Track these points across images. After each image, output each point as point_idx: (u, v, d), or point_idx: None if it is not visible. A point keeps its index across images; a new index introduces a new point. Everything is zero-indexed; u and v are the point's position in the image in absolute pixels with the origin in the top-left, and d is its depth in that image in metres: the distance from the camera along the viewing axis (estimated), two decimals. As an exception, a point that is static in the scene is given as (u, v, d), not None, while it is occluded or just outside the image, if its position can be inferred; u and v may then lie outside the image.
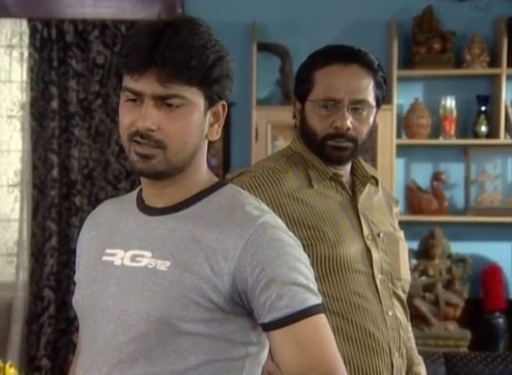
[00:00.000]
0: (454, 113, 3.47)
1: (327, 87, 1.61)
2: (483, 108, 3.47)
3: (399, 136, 3.50)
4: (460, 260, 3.43)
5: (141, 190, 1.30)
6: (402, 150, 3.47)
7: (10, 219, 3.61)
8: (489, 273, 3.49)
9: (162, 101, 1.16)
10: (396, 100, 3.40)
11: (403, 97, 3.49)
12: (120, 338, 1.18)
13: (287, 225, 1.28)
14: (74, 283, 1.33)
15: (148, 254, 1.20)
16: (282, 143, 3.61)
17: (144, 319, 1.16)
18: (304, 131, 1.66)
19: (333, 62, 1.62)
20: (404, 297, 1.70)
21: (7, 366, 1.80)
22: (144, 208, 1.26)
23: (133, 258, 1.21)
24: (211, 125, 1.22)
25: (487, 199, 3.55)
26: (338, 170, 1.67)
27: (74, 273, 1.34)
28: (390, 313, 1.63)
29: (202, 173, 1.25)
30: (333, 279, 1.59)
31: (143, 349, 1.16)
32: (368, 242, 1.64)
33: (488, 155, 3.56)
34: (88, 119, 3.54)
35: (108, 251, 1.25)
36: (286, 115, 3.48)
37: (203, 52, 1.15)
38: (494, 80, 3.51)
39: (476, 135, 3.49)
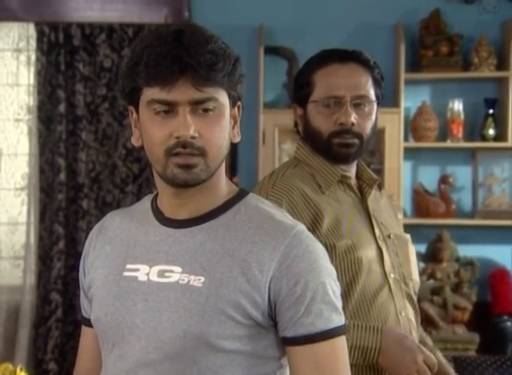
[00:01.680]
0: (462, 116, 3.49)
1: (328, 85, 1.65)
2: (491, 111, 3.49)
3: (406, 139, 3.51)
4: (468, 263, 3.45)
5: (155, 200, 1.27)
6: (409, 153, 3.49)
7: (17, 223, 3.63)
8: (497, 276, 3.51)
9: (197, 106, 1.15)
10: (403, 103, 3.43)
11: (411, 100, 3.51)
12: (153, 356, 1.16)
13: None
14: (86, 297, 1.30)
15: (178, 269, 1.18)
16: (290, 146, 3.63)
17: (180, 337, 1.14)
18: (308, 134, 1.70)
19: (331, 62, 1.67)
20: (416, 298, 1.72)
21: (18, 370, 1.81)
22: (165, 220, 1.23)
23: (161, 273, 1.18)
24: (233, 127, 1.23)
25: (495, 202, 3.56)
26: (346, 172, 1.69)
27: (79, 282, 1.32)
28: (403, 314, 1.65)
29: (224, 180, 1.24)
30: (352, 280, 1.61)
31: (178, 367, 1.15)
32: (380, 243, 1.67)
33: (496, 158, 3.58)
34: (95, 123, 3.56)
35: (129, 266, 1.22)
36: (293, 118, 3.53)
37: (224, 54, 1.16)
38: (502, 83, 3.53)
39: (484, 138, 3.51)
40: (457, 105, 3.49)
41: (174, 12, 3.54)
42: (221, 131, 1.17)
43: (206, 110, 1.16)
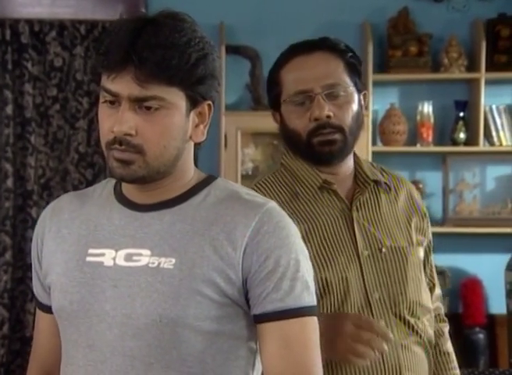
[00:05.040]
0: (431, 119, 3.50)
1: (294, 81, 1.55)
2: (461, 113, 3.49)
3: (374, 143, 3.50)
4: (439, 273, 3.46)
5: (119, 184, 1.27)
6: (378, 158, 3.47)
7: (-39, 233, 3.57)
8: (469, 286, 3.51)
9: (140, 103, 1.15)
10: (371, 105, 3.40)
11: (379, 102, 3.49)
12: (130, 343, 1.16)
13: None
14: (40, 281, 1.30)
15: (147, 252, 1.18)
16: (253, 151, 3.62)
17: (156, 322, 1.14)
18: (288, 138, 1.59)
19: (295, 56, 1.57)
20: (415, 320, 1.56)
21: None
22: (130, 203, 1.23)
23: (129, 257, 1.19)
24: (196, 126, 1.21)
25: (466, 209, 3.57)
26: (331, 175, 1.58)
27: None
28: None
29: (190, 175, 1.24)
30: (329, 300, 1.52)
31: (157, 353, 1.15)
32: (362, 259, 1.54)
33: (467, 163, 3.60)
34: (45, 126, 3.51)
35: (92, 251, 1.22)
36: (256, 121, 3.50)
37: (185, 51, 1.13)
38: (472, 85, 3.54)
39: (454, 142, 3.51)
40: (427, 108, 3.50)
41: (129, 9, 3.50)
42: (164, 131, 1.16)
43: (149, 108, 1.15)
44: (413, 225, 1.62)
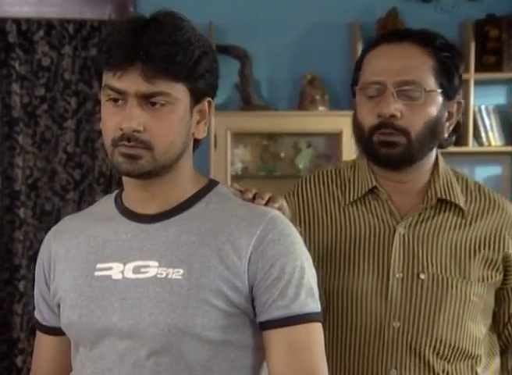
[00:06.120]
0: (420, 119, 3.53)
1: (371, 70, 1.40)
2: (450, 114, 3.54)
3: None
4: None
5: (119, 197, 1.29)
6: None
7: None
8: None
9: (146, 99, 1.16)
10: (360, 106, 3.46)
11: (368, 102, 3.54)
12: (139, 353, 1.18)
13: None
14: (47, 304, 1.31)
15: (154, 263, 1.19)
16: (242, 151, 3.63)
17: (165, 332, 1.16)
18: (354, 131, 1.44)
19: (383, 43, 1.42)
20: (443, 363, 1.39)
21: None
22: (133, 216, 1.24)
23: (137, 269, 1.20)
24: (198, 123, 1.23)
25: (455, 209, 3.61)
26: (392, 183, 1.41)
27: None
28: (393, 372, 1.39)
29: (191, 172, 1.26)
30: (334, 311, 1.42)
31: (165, 362, 1.17)
32: (393, 280, 1.39)
33: (456, 163, 3.59)
34: (33, 126, 3.50)
35: (100, 265, 1.23)
36: (246, 121, 3.52)
37: (188, 47, 1.16)
38: (462, 86, 3.57)
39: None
40: (416, 108, 3.53)
41: (118, 8, 3.50)
42: (171, 126, 1.18)
43: (154, 104, 1.17)
44: (480, 257, 1.41)
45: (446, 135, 1.43)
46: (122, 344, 1.19)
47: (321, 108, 3.51)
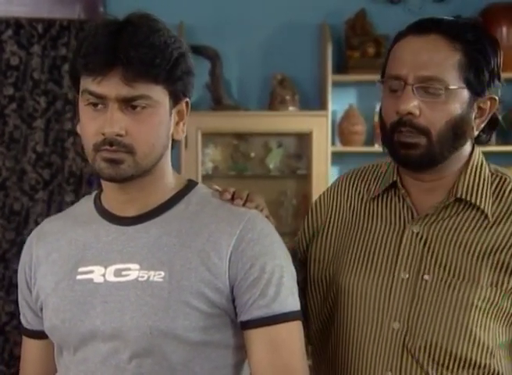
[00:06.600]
0: (389, 120, 3.57)
1: (395, 62, 1.31)
2: (418, 114, 3.58)
3: (333, 143, 3.54)
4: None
5: (98, 199, 1.28)
6: (336, 158, 3.51)
7: None
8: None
9: (127, 103, 1.16)
10: (330, 106, 3.45)
11: (337, 103, 3.54)
12: (121, 355, 1.18)
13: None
14: (30, 308, 1.31)
15: (135, 266, 1.20)
16: (213, 151, 3.64)
17: (147, 334, 1.17)
18: (380, 125, 1.36)
19: (410, 33, 1.32)
20: (443, 372, 1.30)
21: None
22: (114, 218, 1.24)
23: (118, 273, 1.20)
24: (177, 124, 1.24)
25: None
26: (415, 181, 1.34)
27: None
28: (389, 374, 1.32)
29: (170, 173, 1.26)
30: (340, 308, 1.37)
31: (147, 364, 1.18)
32: (397, 280, 1.32)
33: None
34: (1, 125, 3.48)
35: (81, 269, 1.23)
36: (216, 121, 3.52)
37: (165, 50, 1.16)
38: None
39: (411, 142, 3.59)
40: (385, 109, 3.56)
41: (87, 8, 3.49)
42: (152, 129, 1.18)
43: (135, 107, 1.17)
44: (495, 260, 1.30)
45: (475, 133, 1.33)
46: (105, 347, 1.19)
47: (291, 108, 3.53)
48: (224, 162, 3.64)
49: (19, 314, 1.36)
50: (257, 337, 1.19)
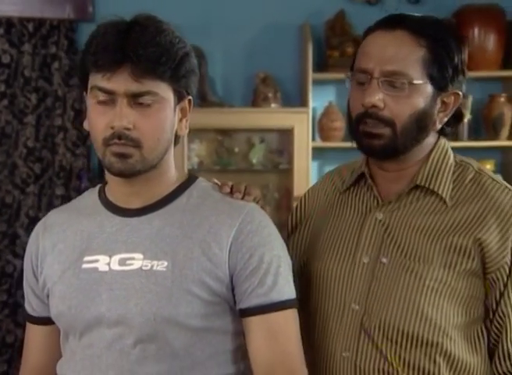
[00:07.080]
0: (367, 116, 3.67)
1: (362, 56, 1.36)
2: (395, 111, 3.68)
3: (313, 139, 3.63)
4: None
5: (103, 191, 1.33)
6: (316, 153, 3.60)
7: None
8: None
9: (135, 99, 1.21)
10: (311, 103, 3.54)
11: (317, 100, 3.63)
12: (126, 341, 1.23)
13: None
14: (36, 296, 1.35)
15: (139, 256, 1.24)
16: (199, 146, 3.73)
17: (151, 321, 1.21)
18: (347, 116, 1.41)
19: (378, 29, 1.36)
20: (391, 347, 1.33)
21: None
22: (118, 210, 1.29)
23: (122, 261, 1.24)
24: (180, 120, 1.29)
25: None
26: (381, 170, 1.39)
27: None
28: (345, 354, 1.36)
29: (172, 169, 1.31)
30: (310, 295, 1.43)
31: (151, 349, 1.22)
32: (358, 265, 1.37)
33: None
34: (-7, 121, 3.49)
35: (87, 258, 1.27)
36: (201, 117, 3.59)
37: (171, 49, 1.21)
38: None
39: (388, 137, 3.69)
40: (363, 106, 3.66)
41: (77, 8, 3.54)
42: (158, 125, 1.23)
43: (142, 103, 1.21)
44: (449, 242, 1.34)
45: (438, 126, 1.37)
46: (110, 333, 1.23)
47: (273, 105, 3.60)
48: (209, 157, 3.69)
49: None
50: (255, 324, 1.24)
